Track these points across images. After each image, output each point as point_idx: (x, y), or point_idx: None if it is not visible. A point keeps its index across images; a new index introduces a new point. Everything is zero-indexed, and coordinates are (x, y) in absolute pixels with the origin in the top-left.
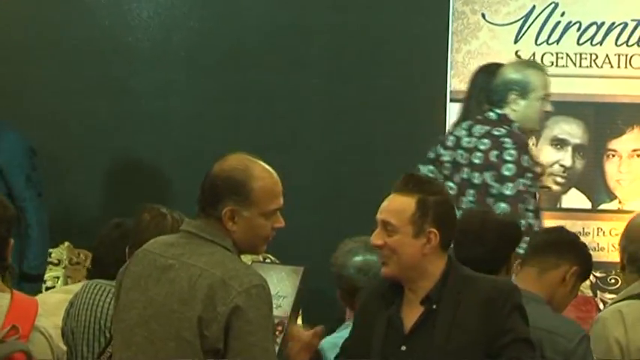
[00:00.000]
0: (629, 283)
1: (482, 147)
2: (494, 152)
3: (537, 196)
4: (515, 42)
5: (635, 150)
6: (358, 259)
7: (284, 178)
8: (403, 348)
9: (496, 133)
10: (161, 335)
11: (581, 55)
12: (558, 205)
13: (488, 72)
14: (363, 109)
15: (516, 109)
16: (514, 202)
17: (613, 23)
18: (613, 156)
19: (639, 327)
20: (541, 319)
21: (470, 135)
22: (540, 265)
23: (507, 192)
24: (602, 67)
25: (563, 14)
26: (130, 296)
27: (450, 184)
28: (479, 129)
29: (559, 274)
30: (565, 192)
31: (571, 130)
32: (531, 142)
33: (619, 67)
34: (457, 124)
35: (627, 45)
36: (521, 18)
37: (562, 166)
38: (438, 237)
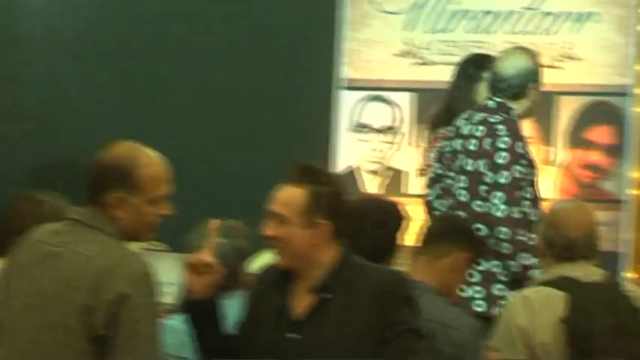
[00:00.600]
0: (545, 269)
1: (477, 134)
2: (488, 140)
3: (535, 184)
4: (408, 30)
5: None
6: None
7: (174, 167)
8: (293, 336)
9: (491, 120)
10: (47, 323)
11: (471, 43)
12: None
13: (477, 63)
14: (255, 98)
15: (533, 96)
16: (510, 190)
17: (504, 11)
18: None
19: (545, 313)
20: (435, 311)
21: (469, 123)
22: (433, 254)
23: (502, 180)
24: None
25: (454, 3)
26: (15, 284)
27: (450, 173)
28: (477, 117)
29: (450, 262)
30: None
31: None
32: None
33: None
34: (441, 114)
35: (518, 33)
36: (414, 6)
37: None
38: (329, 228)
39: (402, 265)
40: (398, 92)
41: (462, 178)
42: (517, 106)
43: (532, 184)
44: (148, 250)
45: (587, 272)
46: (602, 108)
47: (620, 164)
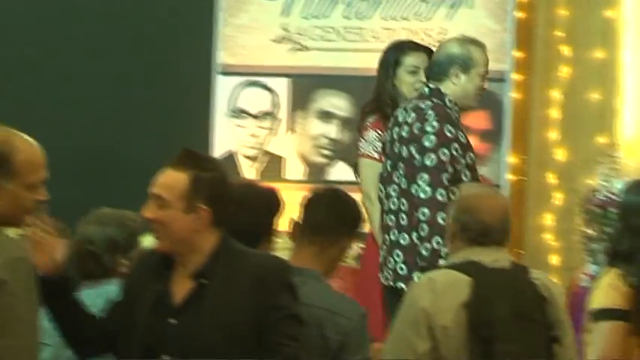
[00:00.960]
0: (454, 252)
1: (409, 120)
2: (417, 125)
3: (473, 167)
4: (284, 16)
5: None
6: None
7: (48, 153)
8: (172, 321)
9: (422, 106)
10: None
11: (348, 29)
12: (325, 178)
13: (398, 48)
14: (133, 83)
15: (456, 82)
16: (435, 172)
17: None
18: None
19: (449, 296)
20: (321, 297)
21: (404, 111)
22: (322, 243)
23: (428, 162)
24: (369, 41)
25: None
26: None
27: (388, 161)
28: (411, 104)
29: (338, 250)
30: (331, 164)
31: (338, 103)
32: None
33: (385, 41)
34: (370, 102)
35: (394, 19)
36: None
37: (328, 138)
38: (209, 213)
39: (280, 250)
40: (275, 78)
41: (401, 165)
42: (448, 91)
43: (468, 166)
44: (24, 236)
45: (497, 258)
46: None
47: (497, 150)
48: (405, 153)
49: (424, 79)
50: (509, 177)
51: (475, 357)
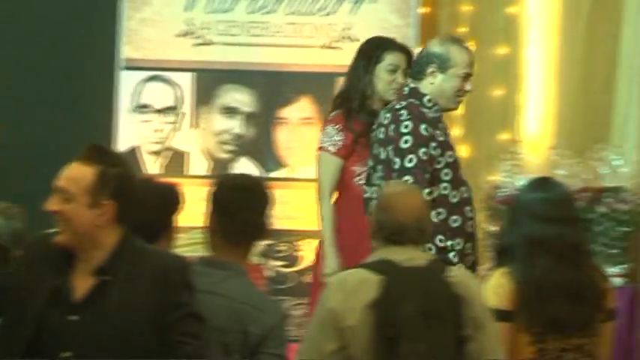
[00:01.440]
0: (372, 251)
1: (385, 122)
2: (392, 126)
3: (453, 165)
4: (188, 10)
5: (304, 118)
6: None
7: None
8: (73, 318)
9: (397, 106)
10: None
11: (252, 23)
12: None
13: (379, 45)
14: (36, 77)
15: (433, 82)
16: (418, 172)
17: None
18: (283, 124)
19: (357, 296)
20: (244, 293)
21: (385, 112)
22: (247, 245)
23: (408, 164)
24: (273, 35)
25: None
26: None
27: (369, 161)
28: (391, 105)
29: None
30: (235, 160)
31: (242, 99)
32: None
33: (290, 36)
34: (338, 97)
35: (298, 13)
36: None
37: (232, 134)
38: (113, 209)
39: (184, 246)
40: (179, 72)
41: (380, 167)
42: (426, 90)
43: (449, 165)
44: None
45: (412, 257)
46: None
47: None
48: (382, 155)
49: (402, 80)
50: None
51: (380, 357)
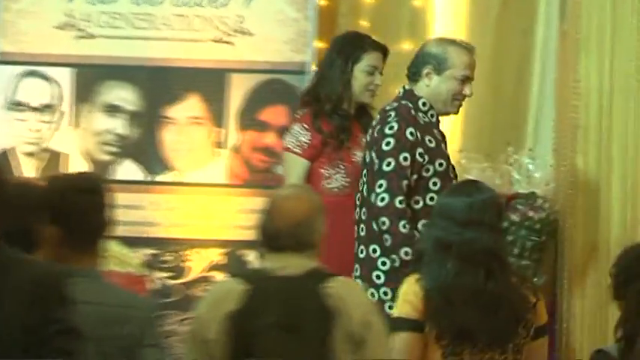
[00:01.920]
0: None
1: (374, 123)
2: (378, 127)
3: (443, 174)
4: (68, 0)
5: (192, 118)
6: None
7: None
8: None
9: (387, 107)
10: None
11: (137, 15)
12: (111, 177)
13: (357, 44)
14: None
15: (429, 84)
16: (394, 177)
17: None
18: (170, 124)
19: (220, 306)
20: (110, 295)
21: (378, 113)
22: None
23: (385, 167)
24: (159, 28)
25: None
26: None
27: (362, 169)
28: (384, 106)
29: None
30: (118, 163)
31: (126, 96)
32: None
33: (178, 29)
34: (305, 95)
35: (185, 5)
36: None
37: (115, 134)
38: None
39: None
40: (58, 67)
41: (364, 172)
42: (422, 93)
43: (438, 174)
44: None
45: (286, 265)
46: (276, 87)
47: None
48: (368, 158)
49: (379, 82)
50: None
51: None
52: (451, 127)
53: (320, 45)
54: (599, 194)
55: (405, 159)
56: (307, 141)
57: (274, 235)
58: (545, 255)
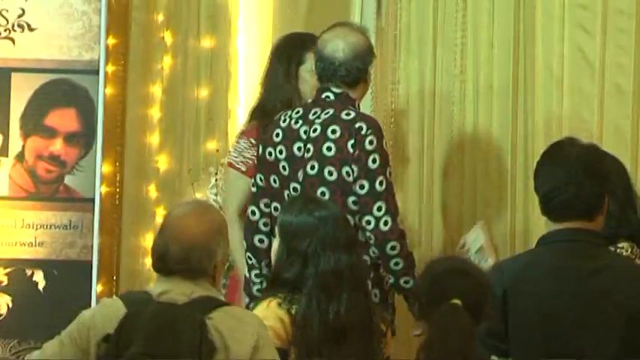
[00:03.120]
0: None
1: (332, 136)
2: (351, 141)
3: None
4: None
5: None
6: None
7: None
8: None
9: (345, 117)
10: None
11: None
12: None
13: (299, 43)
14: None
15: (367, 82)
16: (389, 197)
17: None
18: None
19: (103, 326)
20: None
21: (305, 122)
22: None
23: (379, 188)
24: None
25: None
26: None
27: (294, 184)
28: (319, 113)
29: None
30: None
31: None
32: None
33: None
34: (256, 106)
35: None
36: None
37: None
38: None
39: None
40: None
41: (322, 189)
42: (356, 95)
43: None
44: None
45: (169, 289)
46: (64, 88)
47: (88, 156)
48: (332, 176)
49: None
50: (102, 189)
51: None
52: None
53: (111, 42)
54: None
55: (390, 174)
56: (252, 157)
57: (163, 258)
58: None
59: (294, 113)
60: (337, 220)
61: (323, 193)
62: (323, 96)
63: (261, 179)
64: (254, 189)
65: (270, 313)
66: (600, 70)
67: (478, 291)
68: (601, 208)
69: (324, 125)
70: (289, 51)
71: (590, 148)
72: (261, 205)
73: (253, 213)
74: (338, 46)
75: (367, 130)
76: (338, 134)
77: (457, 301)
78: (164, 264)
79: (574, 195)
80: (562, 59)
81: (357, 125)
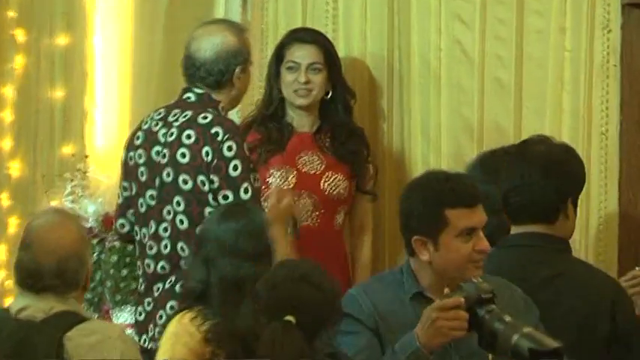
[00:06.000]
0: None
1: (187, 141)
2: (206, 148)
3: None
4: None
5: None
6: None
7: None
8: None
9: (202, 121)
10: None
11: None
12: None
13: (282, 40)
14: None
15: (241, 85)
16: (256, 201)
17: None
18: None
19: None
20: None
21: (165, 125)
22: None
23: (245, 196)
24: None
25: None
26: None
27: (151, 191)
28: (177, 116)
29: None
30: None
31: None
32: None
33: None
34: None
35: None
36: None
37: None
38: None
39: None
40: None
41: (178, 199)
42: (221, 97)
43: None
44: None
45: (31, 306)
46: None
47: None
48: (187, 185)
49: (303, 79)
50: None
51: None
52: (118, 136)
53: None
54: None
55: (256, 179)
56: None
57: (36, 274)
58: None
59: (156, 115)
60: (250, 229)
61: (178, 203)
62: (184, 97)
63: (125, 188)
64: (119, 200)
65: (182, 328)
66: (480, 64)
67: (322, 306)
68: (561, 213)
69: (181, 129)
70: (277, 48)
71: (558, 147)
72: (128, 216)
73: (122, 226)
74: (201, 45)
75: (224, 135)
76: (193, 139)
77: (290, 318)
78: (38, 280)
79: (529, 198)
80: (439, 52)
81: (212, 131)
